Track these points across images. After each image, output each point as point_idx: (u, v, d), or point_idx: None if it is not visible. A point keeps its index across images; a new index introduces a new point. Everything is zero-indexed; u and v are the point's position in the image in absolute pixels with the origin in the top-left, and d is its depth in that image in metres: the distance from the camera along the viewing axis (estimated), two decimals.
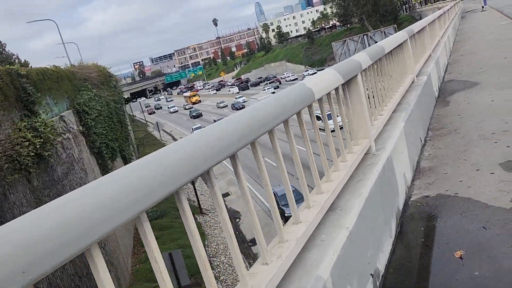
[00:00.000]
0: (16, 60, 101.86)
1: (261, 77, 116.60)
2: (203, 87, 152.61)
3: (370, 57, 3.91)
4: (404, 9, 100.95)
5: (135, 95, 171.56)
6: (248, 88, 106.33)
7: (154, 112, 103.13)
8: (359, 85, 3.43)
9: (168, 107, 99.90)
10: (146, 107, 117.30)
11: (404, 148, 4.13)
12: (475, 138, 4.97)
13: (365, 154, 3.45)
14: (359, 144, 3.36)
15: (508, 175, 3.79)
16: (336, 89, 3.14)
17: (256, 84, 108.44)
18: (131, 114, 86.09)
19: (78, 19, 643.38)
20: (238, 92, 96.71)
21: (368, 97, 3.94)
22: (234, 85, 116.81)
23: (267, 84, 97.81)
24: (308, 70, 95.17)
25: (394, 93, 4.98)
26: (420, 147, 5.00)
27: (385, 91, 4.64)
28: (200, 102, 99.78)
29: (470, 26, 20.94)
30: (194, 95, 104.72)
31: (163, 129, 78.36)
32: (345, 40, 45.76)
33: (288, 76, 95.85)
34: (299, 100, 2.38)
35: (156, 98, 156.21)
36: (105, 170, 20.99)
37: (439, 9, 19.52)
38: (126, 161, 29.50)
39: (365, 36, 44.38)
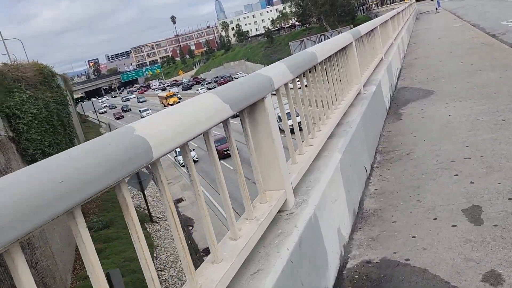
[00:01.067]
0: None
1: (217, 77, 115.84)
2: (158, 86, 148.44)
3: (290, 69, 2.84)
4: (361, 10, 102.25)
5: (90, 94, 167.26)
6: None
7: (122, 117, 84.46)
8: (267, 112, 2.34)
9: (140, 110, 79.25)
10: (110, 108, 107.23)
11: (339, 192, 3.08)
12: (430, 168, 4.01)
13: (279, 212, 2.38)
14: (266, 201, 2.27)
15: (475, 230, 2.82)
16: (224, 122, 2.02)
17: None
18: (83, 114, 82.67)
19: (25, 15, 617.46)
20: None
21: (291, 125, 2.87)
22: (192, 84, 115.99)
23: (203, 85, 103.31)
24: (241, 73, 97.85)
25: (332, 112, 3.95)
26: (364, 180, 3.99)
27: (318, 111, 3.60)
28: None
29: (424, 28, 20.53)
30: (172, 96, 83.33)
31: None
32: (303, 40, 45.28)
33: (241, 76, 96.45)
34: None
35: (124, 98, 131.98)
36: None
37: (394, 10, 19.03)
38: None
39: (322, 36, 43.96)
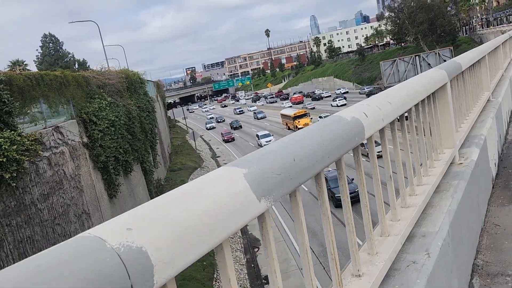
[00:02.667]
0: (72, 59, 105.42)
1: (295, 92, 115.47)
2: (244, 96, 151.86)
3: None
4: (464, 30, 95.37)
5: (184, 100, 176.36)
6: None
7: (232, 139, 63.94)
8: None
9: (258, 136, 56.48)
10: (218, 121, 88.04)
11: None
12: None
13: None
14: None
15: None
16: None
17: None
18: (173, 119, 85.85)
19: (138, 23, 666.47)
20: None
21: None
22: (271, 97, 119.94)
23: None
24: (340, 89, 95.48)
25: (395, 219, 2.49)
26: None
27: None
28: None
29: None
30: (302, 116, 58.34)
31: (201, 137, 77.70)
32: (395, 60, 42.59)
33: (322, 93, 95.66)
34: None
35: (238, 110, 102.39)
36: (110, 186, 19.31)
37: (503, 33, 16.51)
38: (146, 173, 27.94)
39: (417, 57, 40.92)
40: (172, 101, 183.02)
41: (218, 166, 49.47)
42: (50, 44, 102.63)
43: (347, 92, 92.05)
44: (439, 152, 3.52)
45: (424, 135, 3.22)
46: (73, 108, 17.33)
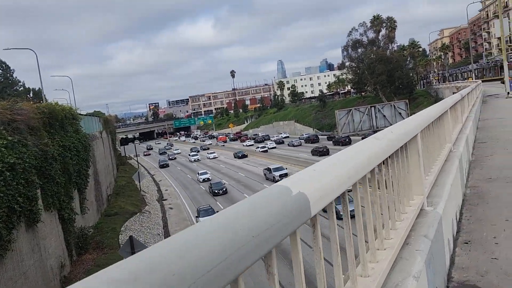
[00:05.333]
0: (22, 88, 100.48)
1: (256, 134, 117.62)
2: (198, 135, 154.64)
3: None
4: (421, 83, 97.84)
5: (145, 136, 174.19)
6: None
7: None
8: None
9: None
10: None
11: None
12: None
13: None
14: None
15: None
16: None
17: None
18: (124, 155, 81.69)
19: (105, 56, 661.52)
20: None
21: None
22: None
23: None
24: (281, 133, 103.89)
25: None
26: None
27: None
28: None
29: (496, 117, 16.02)
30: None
31: (152, 176, 73.98)
32: (350, 110, 41.49)
33: (276, 137, 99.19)
34: None
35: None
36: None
37: (457, 89, 15.01)
38: (64, 222, 24.51)
39: (372, 108, 39.95)
40: (131, 136, 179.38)
41: (162, 210, 46.03)
42: (0, 71, 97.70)
43: (287, 136, 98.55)
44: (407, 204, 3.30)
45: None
46: None
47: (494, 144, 9.55)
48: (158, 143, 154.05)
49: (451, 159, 5.53)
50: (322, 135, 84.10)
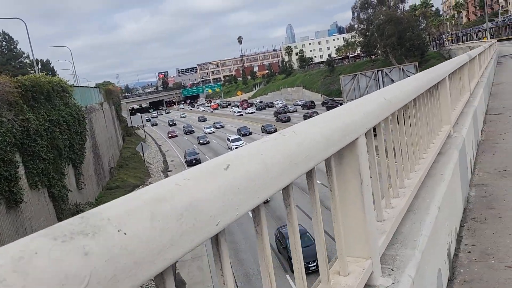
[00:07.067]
0: (26, 60, 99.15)
1: (261, 101, 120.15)
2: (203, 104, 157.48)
3: None
4: (434, 45, 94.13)
5: (154, 105, 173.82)
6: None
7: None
8: None
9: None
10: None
11: None
12: None
13: None
14: None
15: None
16: None
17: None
18: (131, 126, 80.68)
19: (112, 25, 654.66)
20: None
21: None
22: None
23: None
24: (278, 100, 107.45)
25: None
26: None
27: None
28: None
29: (511, 81, 14.25)
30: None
31: (159, 147, 73.22)
32: (356, 75, 39.43)
33: (279, 103, 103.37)
34: None
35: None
36: None
37: (471, 50, 13.32)
38: (55, 200, 23.64)
39: (379, 72, 37.81)
40: (139, 106, 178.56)
41: None
42: (4, 42, 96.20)
43: (286, 105, 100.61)
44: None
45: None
46: None
47: (510, 116, 7.98)
48: (168, 112, 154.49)
49: (448, 150, 4.05)
50: (323, 102, 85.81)
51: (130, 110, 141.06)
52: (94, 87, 53.60)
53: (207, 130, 79.33)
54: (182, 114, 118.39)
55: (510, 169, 5.22)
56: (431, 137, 3.98)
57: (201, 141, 68.64)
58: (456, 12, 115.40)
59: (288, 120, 71.43)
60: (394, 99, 2.54)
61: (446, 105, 4.57)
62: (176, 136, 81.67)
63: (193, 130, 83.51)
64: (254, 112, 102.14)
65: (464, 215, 4.12)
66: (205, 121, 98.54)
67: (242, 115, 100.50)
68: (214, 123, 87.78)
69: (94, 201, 31.56)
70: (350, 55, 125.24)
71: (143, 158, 51.35)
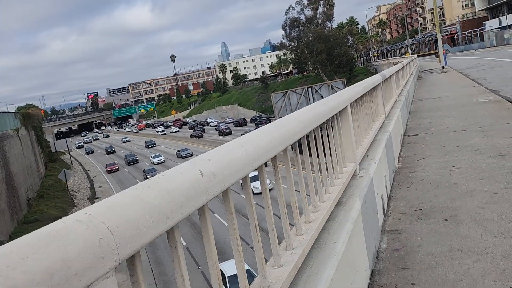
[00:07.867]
0: None
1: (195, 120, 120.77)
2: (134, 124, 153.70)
3: None
4: (362, 61, 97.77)
5: (83, 127, 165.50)
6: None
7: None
8: None
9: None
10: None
11: None
12: None
13: None
14: None
15: None
16: None
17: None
18: (55, 151, 75.66)
19: (36, 45, 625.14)
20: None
21: None
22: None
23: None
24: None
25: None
26: None
27: None
28: None
29: (431, 97, 14.07)
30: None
31: (87, 172, 69.06)
32: (287, 92, 39.40)
33: (212, 122, 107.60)
34: None
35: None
36: None
37: (394, 65, 13.02)
38: None
39: (309, 89, 38.06)
40: (67, 129, 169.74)
41: None
42: None
43: (221, 122, 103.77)
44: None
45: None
46: None
47: (428, 138, 7.31)
48: (107, 136, 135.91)
49: (349, 199, 3.06)
50: (252, 119, 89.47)
51: (56, 133, 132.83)
52: (9, 112, 49.46)
53: (155, 160, 64.91)
54: (124, 137, 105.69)
55: (426, 207, 4.38)
56: (327, 185, 2.97)
57: (147, 176, 54.93)
58: (380, 30, 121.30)
59: (201, 136, 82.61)
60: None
61: (348, 141, 3.60)
62: (117, 169, 66.04)
63: (137, 159, 69.98)
64: (178, 131, 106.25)
65: (371, 282, 3.15)
66: (153, 146, 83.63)
67: (165, 134, 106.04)
68: (145, 141, 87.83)
69: (8, 239, 28.46)
70: (283, 72, 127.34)
71: (66, 186, 47.81)
